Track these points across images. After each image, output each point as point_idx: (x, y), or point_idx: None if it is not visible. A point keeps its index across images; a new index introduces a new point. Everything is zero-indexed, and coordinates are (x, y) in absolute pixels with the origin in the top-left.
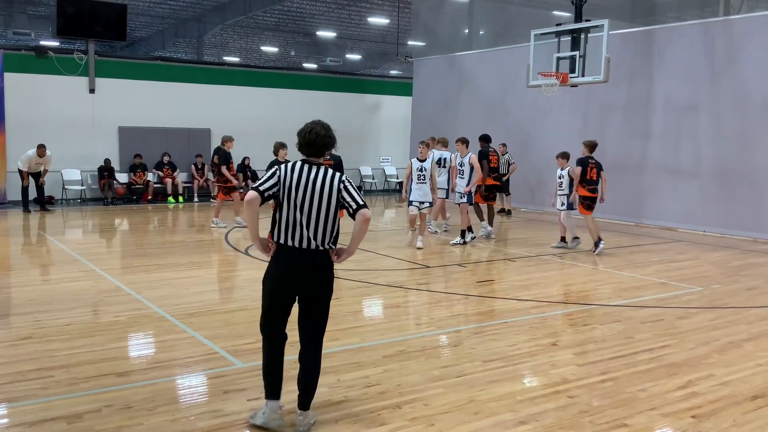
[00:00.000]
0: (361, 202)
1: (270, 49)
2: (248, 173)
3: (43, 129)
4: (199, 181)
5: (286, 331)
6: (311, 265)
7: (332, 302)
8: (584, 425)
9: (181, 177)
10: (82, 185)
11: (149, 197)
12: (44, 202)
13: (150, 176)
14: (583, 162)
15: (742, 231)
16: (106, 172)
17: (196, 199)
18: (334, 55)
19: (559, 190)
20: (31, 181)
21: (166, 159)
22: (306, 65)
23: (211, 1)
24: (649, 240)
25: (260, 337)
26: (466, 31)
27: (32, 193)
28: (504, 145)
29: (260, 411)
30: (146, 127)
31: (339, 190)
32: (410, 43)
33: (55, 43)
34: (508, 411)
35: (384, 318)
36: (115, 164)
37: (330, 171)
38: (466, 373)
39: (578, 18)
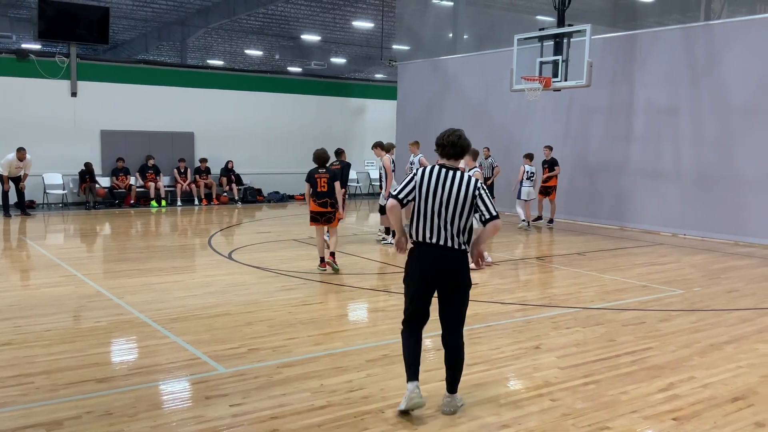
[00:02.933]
0: (494, 213)
1: (254, 52)
2: (232, 177)
3: (25, 133)
4: (182, 185)
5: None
6: (451, 259)
7: (316, 306)
8: (567, 428)
9: (164, 181)
10: (64, 189)
11: (131, 201)
12: (25, 207)
13: (132, 180)
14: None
15: (722, 234)
16: (87, 175)
17: (179, 203)
18: (318, 58)
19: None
20: (12, 185)
21: (150, 162)
22: (290, 69)
23: (194, 4)
24: (631, 243)
25: (243, 343)
26: (450, 35)
27: (13, 198)
28: (487, 148)
29: (403, 398)
30: (129, 130)
31: (474, 197)
32: (395, 47)
33: (36, 46)
34: (491, 414)
35: (368, 322)
36: (98, 168)
37: (466, 176)
38: None
39: (561, 23)
